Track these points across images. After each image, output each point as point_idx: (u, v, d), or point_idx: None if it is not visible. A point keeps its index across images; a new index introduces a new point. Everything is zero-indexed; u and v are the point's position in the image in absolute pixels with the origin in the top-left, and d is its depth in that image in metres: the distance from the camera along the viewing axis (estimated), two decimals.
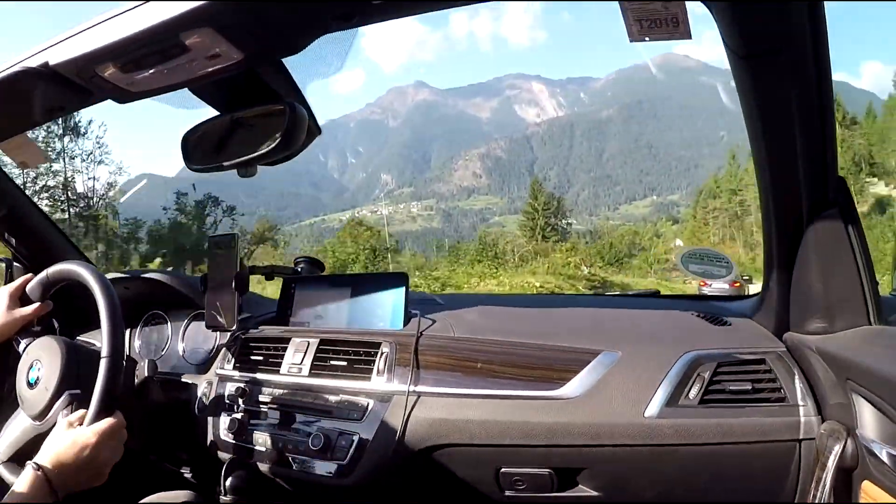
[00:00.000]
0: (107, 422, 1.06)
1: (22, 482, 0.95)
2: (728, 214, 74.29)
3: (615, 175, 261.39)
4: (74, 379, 1.20)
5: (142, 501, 1.33)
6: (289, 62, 0.96)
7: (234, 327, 1.45)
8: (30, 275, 1.31)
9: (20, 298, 1.30)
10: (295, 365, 1.37)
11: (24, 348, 1.29)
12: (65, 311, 1.72)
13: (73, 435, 1.03)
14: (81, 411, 1.08)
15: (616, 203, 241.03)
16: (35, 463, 0.98)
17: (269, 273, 1.61)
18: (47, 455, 1.00)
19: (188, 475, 1.68)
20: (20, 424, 1.25)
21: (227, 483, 1.32)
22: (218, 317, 1.47)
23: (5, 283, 1.62)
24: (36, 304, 1.29)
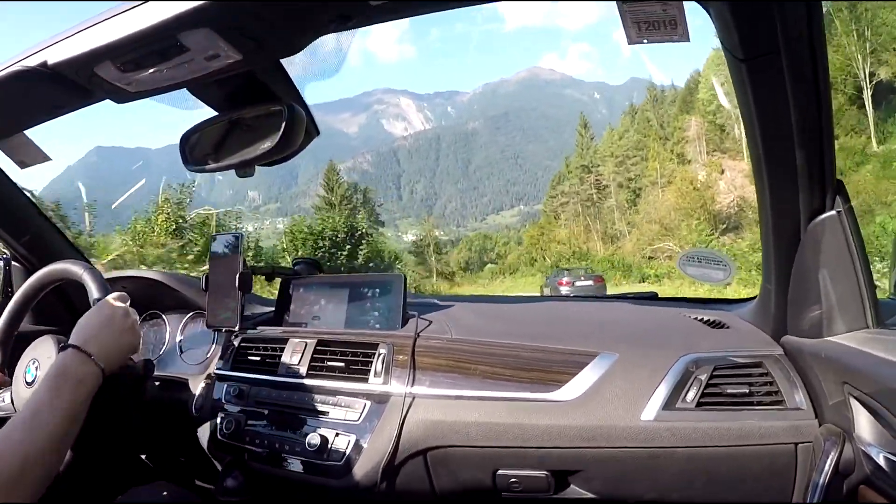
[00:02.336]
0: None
1: (55, 363, 0.95)
2: (580, 199, 59.10)
3: (482, 186, 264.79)
4: None
5: (119, 499, 1.33)
6: (287, 63, 0.96)
7: (237, 327, 1.45)
8: None
9: None
10: (292, 366, 1.36)
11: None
12: (66, 312, 1.72)
13: (88, 312, 1.08)
14: None
15: (483, 213, 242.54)
16: (63, 344, 0.99)
17: (270, 273, 1.61)
18: (73, 336, 1.01)
19: (184, 475, 1.68)
20: None
21: (224, 483, 1.31)
22: (221, 316, 1.47)
23: (3, 282, 1.62)
24: None
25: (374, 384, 1.25)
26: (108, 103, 0.97)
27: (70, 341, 0.99)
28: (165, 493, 1.39)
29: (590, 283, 23.45)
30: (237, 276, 1.43)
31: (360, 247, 25.22)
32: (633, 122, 62.55)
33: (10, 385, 1.28)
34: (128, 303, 1.14)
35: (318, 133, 1.07)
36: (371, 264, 24.63)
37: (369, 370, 1.27)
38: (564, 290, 22.63)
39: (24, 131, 1.16)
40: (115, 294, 1.14)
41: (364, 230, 24.87)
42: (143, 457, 1.64)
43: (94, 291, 1.19)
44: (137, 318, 1.13)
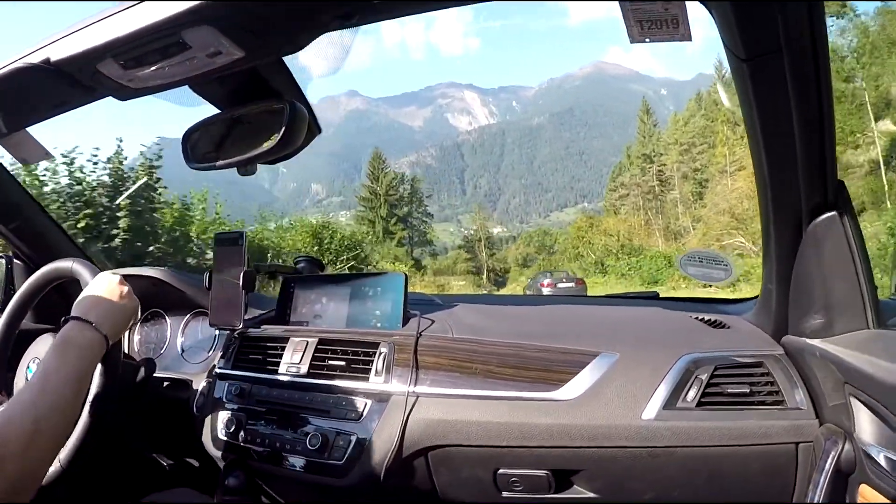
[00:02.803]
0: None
1: (58, 337, 0.98)
2: (641, 191, 52.01)
3: (546, 182, 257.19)
4: None
5: (142, 501, 1.33)
6: (289, 60, 0.96)
7: (241, 325, 1.45)
8: None
9: None
10: (293, 364, 1.36)
11: None
12: (64, 310, 1.72)
13: (84, 289, 1.12)
14: None
15: (547, 210, 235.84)
16: (64, 318, 1.02)
17: (273, 272, 1.61)
18: (73, 310, 1.05)
19: (186, 474, 1.68)
20: None
21: (226, 483, 1.31)
22: (224, 315, 1.47)
23: (5, 281, 1.62)
24: None
25: (375, 383, 1.25)
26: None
27: (70, 315, 1.03)
28: (185, 499, 1.38)
29: (571, 284, 24.82)
30: (241, 274, 1.43)
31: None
32: (699, 106, 54.70)
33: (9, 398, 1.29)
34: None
35: (319, 131, 1.07)
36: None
37: (370, 369, 1.27)
38: (546, 291, 23.43)
39: (27, 128, 1.16)
40: (106, 271, 1.17)
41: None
42: (150, 457, 1.65)
43: (86, 277, 1.20)
44: (130, 288, 1.16)
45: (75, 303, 1.07)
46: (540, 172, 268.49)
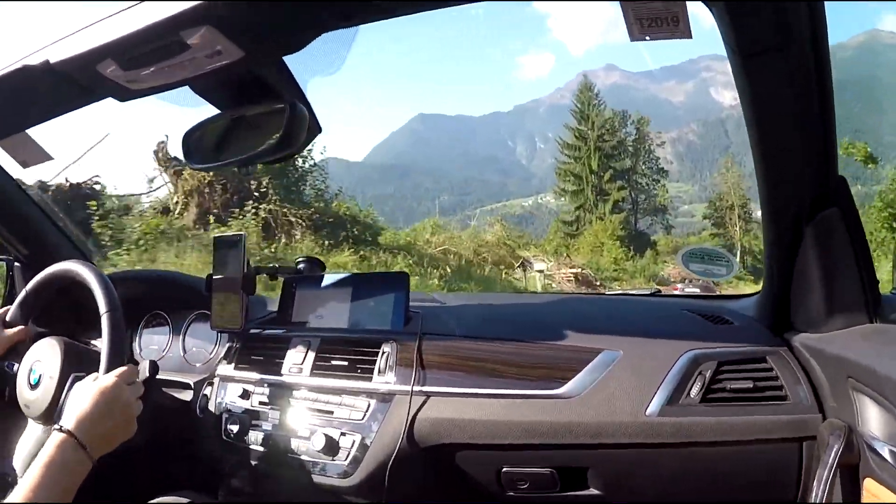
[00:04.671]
0: (121, 368, 1.09)
1: (49, 448, 0.94)
2: None
3: None
4: (76, 368, 1.19)
5: None
6: (290, 60, 0.96)
7: (241, 328, 1.45)
8: (7, 307, 1.35)
9: (3, 324, 1.33)
10: (296, 365, 1.36)
11: (16, 369, 1.28)
12: (69, 313, 1.72)
13: (90, 385, 1.04)
14: (94, 374, 1.09)
15: None
16: (59, 426, 0.96)
17: (273, 273, 1.61)
18: (69, 415, 0.99)
19: (190, 477, 1.68)
20: (31, 435, 1.24)
21: (229, 484, 1.31)
22: (225, 317, 1.47)
23: (6, 283, 1.62)
24: (18, 328, 1.32)
25: (378, 383, 1.25)
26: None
27: (66, 424, 0.97)
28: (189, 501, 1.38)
29: (696, 290, 23.29)
30: (241, 277, 1.43)
31: None
32: None
33: (28, 341, 1.31)
34: (137, 379, 1.11)
35: (320, 130, 1.06)
36: None
37: (373, 369, 1.27)
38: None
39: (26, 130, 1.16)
40: (124, 370, 1.09)
41: None
42: (153, 460, 1.64)
43: (102, 304, 1.17)
44: (140, 403, 1.10)
45: (74, 406, 1.02)
46: None
